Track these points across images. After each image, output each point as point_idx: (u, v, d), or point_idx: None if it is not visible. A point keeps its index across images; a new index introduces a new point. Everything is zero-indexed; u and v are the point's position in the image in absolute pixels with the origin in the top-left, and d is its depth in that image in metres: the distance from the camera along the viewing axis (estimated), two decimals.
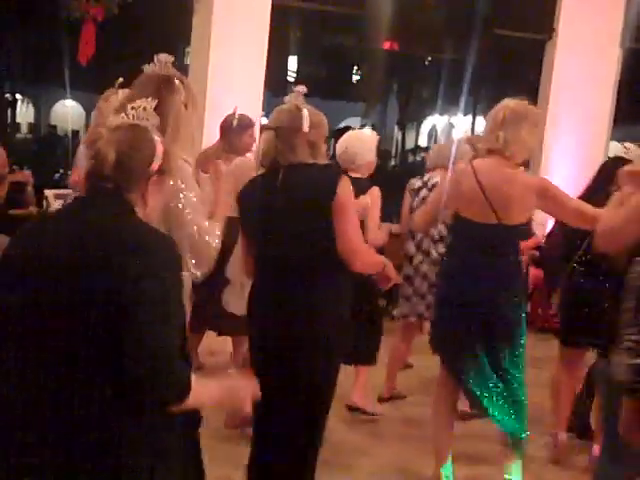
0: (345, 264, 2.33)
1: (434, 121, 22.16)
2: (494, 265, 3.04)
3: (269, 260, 2.42)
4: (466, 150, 3.83)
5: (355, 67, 19.07)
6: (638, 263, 1.82)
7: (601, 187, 3.26)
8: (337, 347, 2.39)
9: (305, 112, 2.38)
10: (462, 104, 13.89)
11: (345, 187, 2.31)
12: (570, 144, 6.22)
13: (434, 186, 3.74)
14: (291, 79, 15.49)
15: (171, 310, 1.53)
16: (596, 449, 3.20)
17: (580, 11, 6.24)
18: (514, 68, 11.93)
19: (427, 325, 3.84)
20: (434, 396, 3.25)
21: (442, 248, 3.82)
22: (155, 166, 1.62)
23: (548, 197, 3.02)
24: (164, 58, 2.21)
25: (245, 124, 3.80)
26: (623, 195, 2.59)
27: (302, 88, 2.45)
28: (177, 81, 2.15)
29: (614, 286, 3.38)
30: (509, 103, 3.06)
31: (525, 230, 3.24)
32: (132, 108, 1.64)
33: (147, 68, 2.20)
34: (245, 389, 1.72)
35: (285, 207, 2.34)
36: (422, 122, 22.67)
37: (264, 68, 5.70)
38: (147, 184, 1.63)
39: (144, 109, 1.65)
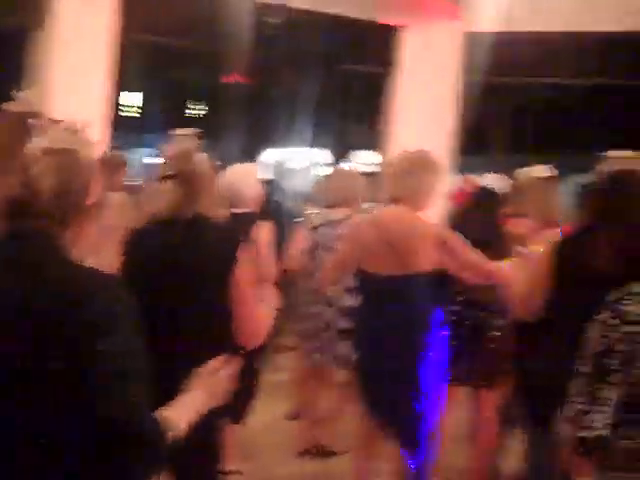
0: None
1: (277, 154, 22.35)
2: (404, 315, 3.00)
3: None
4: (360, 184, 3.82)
5: (199, 101, 19.03)
6: (596, 325, 1.76)
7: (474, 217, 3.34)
8: None
9: (204, 156, 2.18)
10: (307, 136, 14.11)
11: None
12: None
13: (338, 224, 3.72)
14: (124, 114, 15.36)
15: (129, 364, 1.28)
16: None
17: (420, 45, 6.41)
18: (355, 101, 12.24)
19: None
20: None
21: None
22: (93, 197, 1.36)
23: (448, 249, 2.99)
24: (25, 95, 2.08)
25: (117, 162, 3.68)
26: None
27: (192, 130, 2.27)
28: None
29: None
30: (412, 154, 3.11)
31: (434, 278, 3.13)
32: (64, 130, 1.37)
33: (9, 105, 2.05)
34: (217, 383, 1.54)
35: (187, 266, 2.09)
36: (262, 154, 22.85)
37: (104, 103, 5.51)
38: (85, 219, 1.38)
39: (74, 132, 1.38)
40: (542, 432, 2.44)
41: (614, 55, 8.47)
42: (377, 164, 7.52)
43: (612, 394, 1.68)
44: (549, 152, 9.01)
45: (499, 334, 3.46)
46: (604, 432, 1.68)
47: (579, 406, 1.71)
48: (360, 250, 3.05)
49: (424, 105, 6.36)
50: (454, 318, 3.42)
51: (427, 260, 2.98)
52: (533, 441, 2.68)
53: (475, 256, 3.03)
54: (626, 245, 2.36)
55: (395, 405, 3.02)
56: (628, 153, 2.60)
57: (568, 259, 2.45)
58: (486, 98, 7.25)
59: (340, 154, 13.44)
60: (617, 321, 1.70)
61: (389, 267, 2.98)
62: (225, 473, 3.61)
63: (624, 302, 1.71)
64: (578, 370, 1.73)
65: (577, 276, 2.41)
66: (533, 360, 2.63)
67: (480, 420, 3.59)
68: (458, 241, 3.02)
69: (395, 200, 3.04)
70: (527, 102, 9.78)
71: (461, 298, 3.42)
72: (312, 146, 17.89)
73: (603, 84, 9.86)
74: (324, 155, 14.26)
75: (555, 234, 2.64)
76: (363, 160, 12.13)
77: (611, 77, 9.24)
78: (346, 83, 9.04)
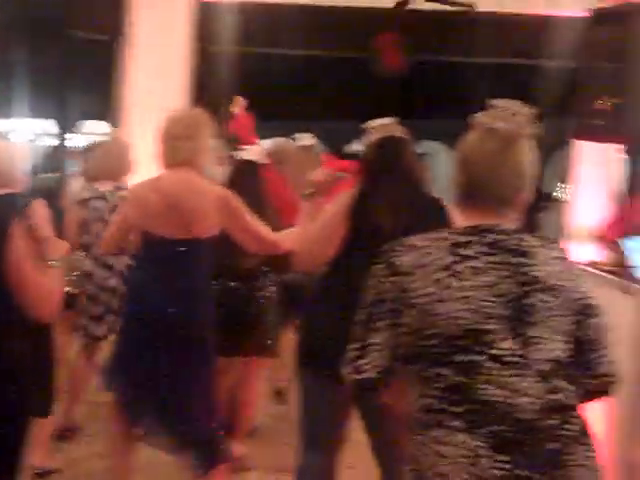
0: None
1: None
2: (185, 279, 2.98)
3: None
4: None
5: None
6: (371, 276, 1.83)
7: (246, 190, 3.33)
8: None
9: None
10: (31, 106, 13.37)
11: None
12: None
13: (109, 195, 3.69)
14: None
15: None
16: None
17: (151, 13, 6.29)
18: (84, 69, 11.78)
19: None
20: None
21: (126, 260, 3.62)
22: None
23: (230, 210, 3.00)
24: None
25: None
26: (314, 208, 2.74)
27: None
28: None
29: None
30: (183, 114, 3.03)
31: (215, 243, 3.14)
32: None
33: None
34: None
35: None
36: None
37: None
38: None
39: None
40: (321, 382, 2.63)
41: (348, 28, 8.93)
42: (107, 134, 7.35)
43: (377, 339, 1.78)
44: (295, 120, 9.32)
45: (265, 302, 3.54)
46: (370, 375, 1.78)
47: (353, 353, 1.81)
48: (143, 214, 3.01)
49: (156, 74, 6.26)
50: (220, 287, 3.45)
51: (211, 223, 3.00)
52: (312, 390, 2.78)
53: (257, 222, 3.10)
54: (399, 203, 2.66)
55: (175, 384, 2.99)
56: (387, 120, 2.82)
57: (354, 217, 2.66)
58: (223, 67, 7.30)
59: (67, 124, 12.88)
60: (387, 271, 1.79)
61: (173, 231, 2.96)
62: (41, 473, 3.43)
63: (395, 253, 1.80)
64: (357, 319, 1.83)
65: (361, 233, 2.63)
66: (311, 316, 2.77)
67: (246, 390, 3.68)
68: (241, 205, 3.07)
69: (174, 164, 3.01)
70: (268, 72, 9.99)
71: (229, 266, 3.47)
72: (35, 116, 16.99)
73: (340, 56, 10.35)
74: (48, 125, 13.63)
75: (343, 194, 2.79)
76: (92, 130, 11.76)
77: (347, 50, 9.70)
78: (74, 50, 8.66)
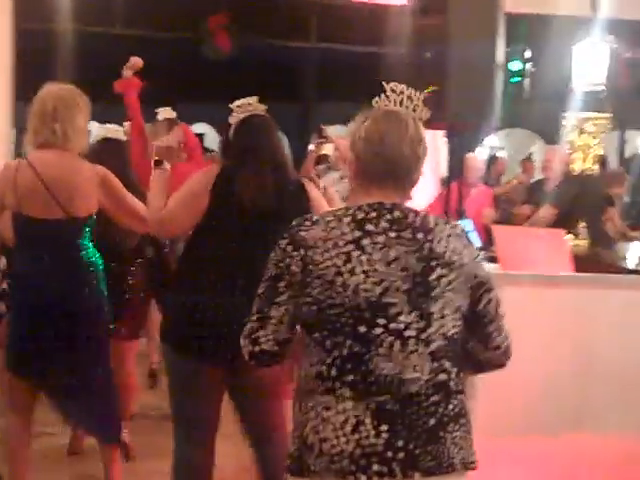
0: None
1: None
2: (67, 261, 2.94)
3: None
4: None
5: None
6: (277, 250, 1.87)
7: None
8: None
9: None
10: None
11: None
12: None
13: None
14: None
15: None
16: None
17: None
18: None
19: None
20: None
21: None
22: None
23: (108, 188, 2.98)
24: None
25: None
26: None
27: None
28: None
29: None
30: (57, 92, 2.89)
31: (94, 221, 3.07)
32: None
33: None
34: None
35: None
36: None
37: None
38: None
39: None
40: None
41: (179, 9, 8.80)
42: None
43: (276, 313, 1.84)
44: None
45: (133, 281, 3.50)
46: (267, 347, 1.85)
47: (252, 324, 1.87)
48: (16, 195, 2.92)
49: None
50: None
51: (88, 202, 2.97)
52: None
53: (134, 200, 3.08)
54: (263, 180, 2.71)
55: (71, 373, 3.00)
56: (250, 99, 2.83)
57: (217, 193, 2.67)
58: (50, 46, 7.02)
59: None
60: (292, 246, 1.84)
61: (49, 211, 2.90)
62: None
63: (300, 228, 1.86)
64: (258, 292, 1.88)
65: (223, 210, 2.66)
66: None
67: (123, 373, 3.64)
68: (118, 182, 3.06)
69: (47, 145, 2.95)
70: (98, 51, 9.71)
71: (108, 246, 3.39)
72: None
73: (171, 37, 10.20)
74: None
75: (207, 169, 2.82)
76: None
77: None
78: None
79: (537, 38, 7.36)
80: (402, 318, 1.80)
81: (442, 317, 1.83)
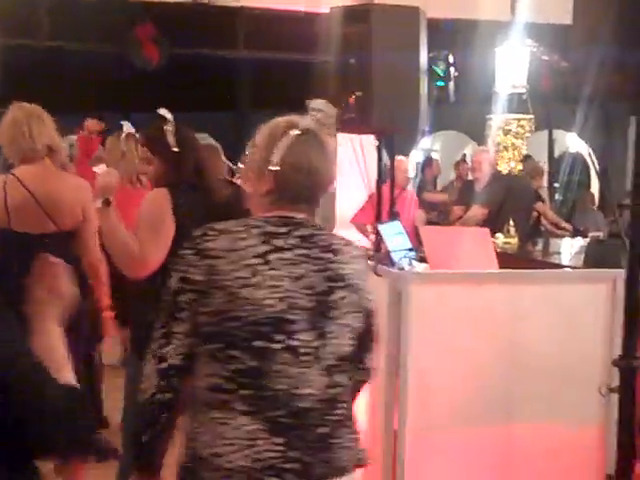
0: None
1: None
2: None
3: None
4: None
5: None
6: (179, 262, 1.84)
7: None
8: None
9: None
10: None
11: None
12: None
13: None
14: None
15: None
16: None
17: None
18: None
19: None
20: None
21: None
22: None
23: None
24: None
25: None
26: None
27: None
28: None
29: None
30: (22, 106, 2.87)
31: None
32: None
33: None
34: None
35: None
36: None
37: None
38: None
39: None
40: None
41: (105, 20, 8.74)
42: None
43: (180, 328, 1.81)
44: None
45: None
46: (176, 361, 1.81)
47: (158, 341, 1.84)
48: (7, 211, 2.93)
49: None
50: None
51: (74, 215, 3.00)
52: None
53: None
54: (205, 200, 2.74)
55: None
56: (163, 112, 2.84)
57: (185, 215, 2.69)
58: None
59: None
60: (196, 257, 1.81)
61: (34, 225, 2.92)
62: None
63: (205, 238, 1.82)
64: (161, 306, 1.86)
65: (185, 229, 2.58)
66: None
67: None
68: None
69: (29, 159, 2.96)
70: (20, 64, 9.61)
71: None
72: None
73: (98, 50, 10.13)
74: None
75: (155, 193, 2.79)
76: None
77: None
78: None
79: (460, 42, 7.53)
80: (301, 336, 1.80)
81: (338, 337, 1.85)
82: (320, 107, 2.04)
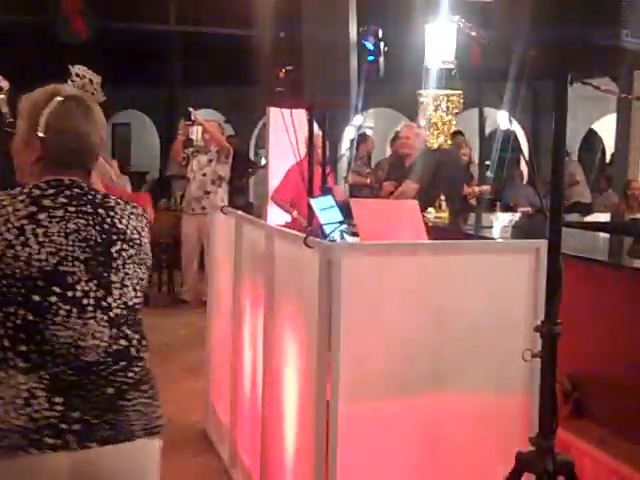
0: None
1: None
2: None
3: None
4: None
5: None
6: None
7: None
8: None
9: None
10: None
11: None
12: None
13: None
14: None
15: None
16: None
17: None
18: None
19: None
20: None
21: None
22: None
23: None
24: None
25: None
26: None
27: None
28: None
29: None
30: None
31: None
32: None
33: None
34: None
35: None
36: None
37: None
38: None
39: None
40: None
41: None
42: None
43: None
44: None
45: None
46: None
47: None
48: None
49: None
50: None
51: None
52: None
53: None
54: None
55: None
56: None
57: None
58: None
59: None
60: None
61: None
62: None
63: None
64: None
65: None
66: None
67: None
68: None
69: None
70: None
71: None
72: None
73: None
74: None
75: None
76: None
77: None
78: None
79: (390, 18, 7.56)
80: (80, 286, 1.84)
81: (123, 287, 1.90)
82: (83, 73, 2.07)
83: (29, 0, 9.00)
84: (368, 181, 8.61)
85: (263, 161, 13.60)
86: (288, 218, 6.64)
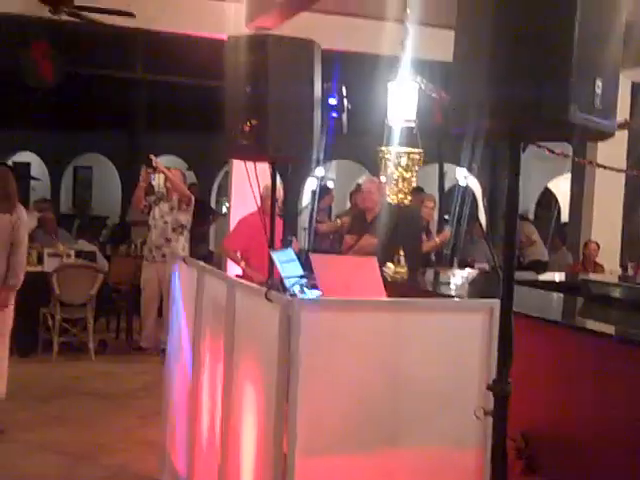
0: None
1: None
2: None
3: None
4: None
5: None
6: None
7: None
8: None
9: None
10: None
11: None
12: None
13: None
14: None
15: None
16: None
17: None
18: None
19: None
20: None
21: None
22: None
23: None
24: None
25: None
26: None
27: None
28: None
29: None
30: None
31: None
32: None
33: None
34: None
35: None
36: None
37: None
38: None
39: None
40: None
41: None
42: None
43: None
44: None
45: None
46: None
47: None
48: None
49: None
50: None
51: None
52: None
53: None
54: None
55: None
56: None
57: None
58: None
59: None
60: None
61: None
62: None
63: None
64: None
65: None
66: None
67: None
68: None
69: None
70: None
71: None
72: None
73: None
74: None
75: None
76: None
77: None
78: None
79: (353, 75, 7.72)
80: None
81: None
82: None
83: None
84: (339, 222, 8.68)
85: (224, 209, 13.66)
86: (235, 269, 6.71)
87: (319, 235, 9.67)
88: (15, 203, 5.96)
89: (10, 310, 5.91)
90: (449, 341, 3.19)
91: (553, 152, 3.71)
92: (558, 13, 2.13)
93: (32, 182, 22.27)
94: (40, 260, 8.75)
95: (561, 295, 5.43)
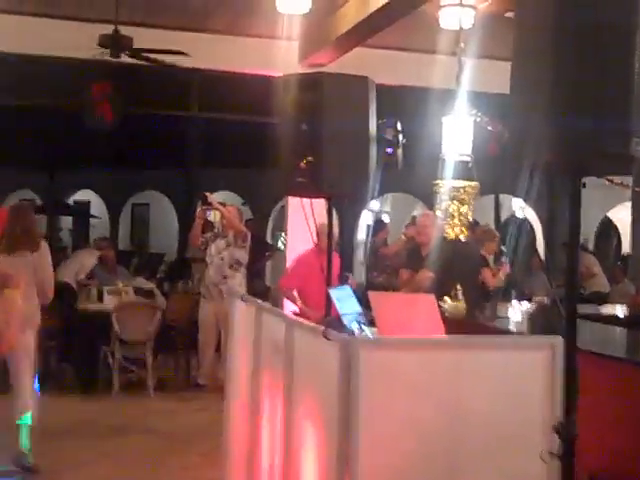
0: None
1: None
2: None
3: None
4: None
5: None
6: None
7: None
8: None
9: None
10: None
11: None
12: None
13: None
14: None
15: None
16: None
17: None
18: None
19: None
20: None
21: None
22: None
23: None
24: None
25: None
26: None
27: None
28: None
29: None
30: None
31: None
32: None
33: None
34: None
35: None
36: None
37: None
38: None
39: None
40: None
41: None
42: None
43: None
44: None
45: None
46: None
47: None
48: None
49: None
50: None
51: None
52: None
53: None
54: None
55: None
56: None
57: None
58: None
59: None
60: None
61: None
62: None
63: None
64: None
65: None
66: None
67: None
68: None
69: None
70: None
71: None
72: None
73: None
74: None
75: None
76: None
77: None
78: None
79: (408, 109, 7.73)
80: None
81: None
82: None
83: (57, 86, 9.27)
84: (404, 238, 8.58)
85: (280, 244, 13.72)
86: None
87: (388, 257, 9.56)
88: (37, 240, 5.73)
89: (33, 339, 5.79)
90: (510, 379, 3.12)
91: (612, 182, 3.64)
92: (620, 46, 2.10)
93: (92, 220, 22.73)
94: (100, 298, 8.88)
95: (624, 329, 5.30)
